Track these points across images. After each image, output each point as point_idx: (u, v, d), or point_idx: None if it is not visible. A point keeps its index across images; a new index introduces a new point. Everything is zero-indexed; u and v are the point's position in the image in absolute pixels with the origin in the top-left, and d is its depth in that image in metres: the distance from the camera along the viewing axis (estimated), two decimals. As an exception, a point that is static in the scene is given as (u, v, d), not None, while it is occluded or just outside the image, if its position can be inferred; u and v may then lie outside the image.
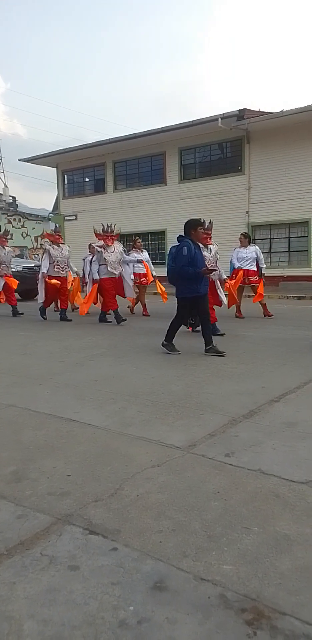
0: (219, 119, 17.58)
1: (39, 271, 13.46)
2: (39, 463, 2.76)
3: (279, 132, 17.54)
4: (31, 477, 2.58)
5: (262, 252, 10.08)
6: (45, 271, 9.47)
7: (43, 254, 10.01)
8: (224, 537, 1.99)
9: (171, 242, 20.05)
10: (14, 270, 12.56)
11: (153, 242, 21.07)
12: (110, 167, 22.94)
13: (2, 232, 10.89)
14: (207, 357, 5.79)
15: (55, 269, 9.54)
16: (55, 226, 10.23)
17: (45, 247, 9.87)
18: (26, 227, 28.91)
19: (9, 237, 11.00)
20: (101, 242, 9.04)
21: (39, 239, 28.01)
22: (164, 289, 10.02)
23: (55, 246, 9.65)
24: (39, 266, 14.55)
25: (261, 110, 18.81)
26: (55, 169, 25.02)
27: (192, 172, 20.74)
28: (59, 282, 9.55)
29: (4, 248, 10.58)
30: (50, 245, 9.70)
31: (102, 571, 1.78)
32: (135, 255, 10.27)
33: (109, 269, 8.99)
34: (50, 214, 29.75)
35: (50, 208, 31.70)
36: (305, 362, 5.39)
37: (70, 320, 9.51)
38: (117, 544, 1.95)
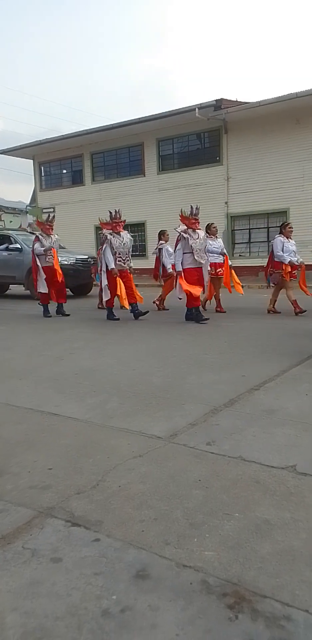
0: (197, 109, 17.57)
1: (93, 263, 12.51)
2: (20, 457, 2.74)
3: (256, 122, 17.61)
4: (12, 472, 2.56)
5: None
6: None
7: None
8: (206, 524, 2.01)
9: (151, 233, 20.10)
10: (65, 263, 11.61)
11: (133, 234, 20.96)
12: (88, 159, 22.75)
13: (47, 218, 9.55)
14: (189, 349, 5.83)
15: (47, 259, 8.99)
16: (48, 215, 9.71)
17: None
18: (3, 221, 28.54)
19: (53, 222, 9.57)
20: (184, 227, 7.89)
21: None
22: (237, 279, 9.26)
23: (45, 236, 9.12)
24: (93, 258, 13.28)
25: (238, 100, 18.86)
26: (32, 160, 24.70)
27: (171, 163, 20.71)
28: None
29: (49, 236, 9.23)
30: (41, 235, 9.15)
31: (84, 562, 1.79)
32: (210, 242, 8.96)
33: (195, 257, 7.86)
34: (28, 207, 29.41)
35: (27, 200, 31.34)
36: (284, 351, 5.46)
37: (68, 315, 9.12)
38: (99, 534, 1.96)
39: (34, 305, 10.32)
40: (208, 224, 9.22)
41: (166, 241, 9.63)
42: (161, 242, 9.65)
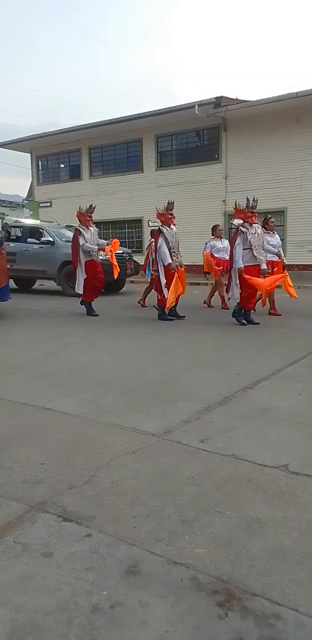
0: (196, 106, 17.51)
1: (128, 259, 12.15)
2: (12, 452, 2.74)
3: (256, 120, 17.57)
4: (5, 466, 2.56)
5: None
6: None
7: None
8: (198, 522, 2.02)
9: (148, 229, 20.03)
10: (100, 258, 10.74)
11: (130, 230, 20.98)
12: (85, 154, 22.65)
13: (86, 208, 8.54)
14: (183, 346, 5.83)
15: (91, 253, 8.36)
16: (90, 206, 8.68)
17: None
18: (3, 214, 28.41)
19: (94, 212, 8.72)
20: (240, 221, 7.26)
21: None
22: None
23: (85, 228, 8.30)
24: (128, 253, 12.91)
25: (238, 98, 18.81)
26: (29, 154, 24.58)
27: (169, 160, 20.65)
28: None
29: (88, 228, 8.44)
30: (81, 228, 8.37)
31: (75, 557, 1.79)
32: (268, 239, 8.30)
33: (254, 253, 7.13)
34: (25, 201, 29.28)
35: (24, 194, 31.18)
36: (280, 350, 5.47)
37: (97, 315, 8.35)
38: (91, 530, 1.96)
39: (55, 300, 10.15)
40: (265, 218, 8.58)
41: (219, 237, 9.49)
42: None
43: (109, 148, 21.94)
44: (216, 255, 9.25)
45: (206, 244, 9.52)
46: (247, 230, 7.08)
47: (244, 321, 7.17)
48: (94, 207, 8.56)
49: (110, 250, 8.77)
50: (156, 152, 20.66)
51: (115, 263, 8.89)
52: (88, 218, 8.44)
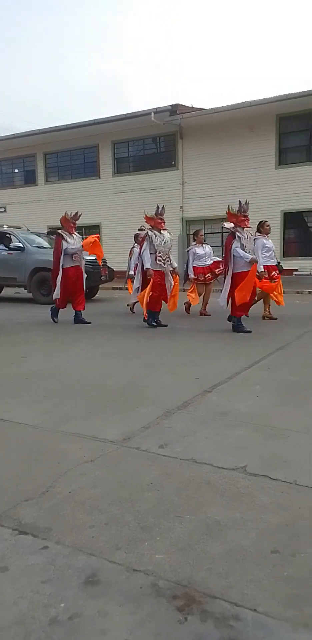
0: (152, 113, 17.66)
1: (103, 265, 11.48)
2: None
3: (212, 128, 17.89)
4: None
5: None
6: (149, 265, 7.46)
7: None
8: (157, 527, 2.01)
9: (106, 235, 20.02)
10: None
11: (87, 236, 20.82)
12: (41, 159, 22.38)
13: (71, 214, 8.28)
14: (145, 352, 5.83)
15: (74, 258, 7.92)
16: (76, 213, 8.39)
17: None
18: None
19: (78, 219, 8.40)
20: (231, 225, 7.15)
21: None
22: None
23: (156, 232, 7.65)
24: (103, 259, 11.79)
25: (194, 106, 19.11)
26: (-16, 159, 24.04)
27: (126, 166, 20.70)
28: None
29: (71, 235, 8.15)
30: (65, 233, 8.03)
31: (32, 570, 1.74)
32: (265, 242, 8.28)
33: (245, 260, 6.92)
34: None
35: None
36: (238, 353, 5.55)
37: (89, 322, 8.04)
38: (48, 542, 1.91)
39: (17, 309, 9.83)
40: (261, 222, 8.49)
41: (201, 242, 9.33)
42: (135, 244, 9.45)
43: (65, 153, 21.78)
44: (197, 263, 8.98)
45: (188, 251, 9.31)
46: (241, 234, 6.99)
47: (248, 329, 6.93)
48: (80, 215, 8.36)
49: (95, 240, 8.33)
50: (113, 158, 20.67)
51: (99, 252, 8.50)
52: (72, 225, 8.21)
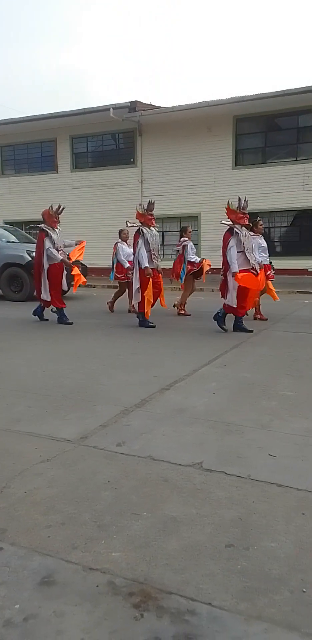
0: (111, 109, 17.55)
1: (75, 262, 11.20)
2: None
3: (170, 127, 17.97)
4: None
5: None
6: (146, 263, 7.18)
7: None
8: (114, 525, 2.01)
9: (63, 231, 19.64)
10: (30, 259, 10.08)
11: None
12: (-3, 151, 21.81)
13: (54, 208, 7.85)
14: (103, 350, 5.80)
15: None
16: (59, 206, 7.90)
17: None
18: None
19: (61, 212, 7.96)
20: (229, 222, 6.94)
21: None
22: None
23: (148, 229, 7.40)
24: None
25: (153, 104, 19.13)
26: None
27: (85, 162, 20.47)
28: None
29: (54, 230, 7.78)
30: (48, 228, 7.69)
31: (-14, 574, 1.71)
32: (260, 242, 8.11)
33: (247, 256, 6.78)
34: None
35: None
36: (196, 351, 5.62)
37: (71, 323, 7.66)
38: (2, 543, 1.88)
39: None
40: (254, 220, 8.19)
41: (125, 240, 9.20)
42: (118, 241, 9.23)
43: (22, 146, 21.31)
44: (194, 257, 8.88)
45: (185, 246, 8.89)
46: (240, 232, 6.79)
47: (225, 327, 6.85)
48: (63, 208, 7.94)
49: (80, 250, 8.21)
50: (71, 152, 20.40)
51: (78, 272, 8.26)
52: (55, 219, 7.86)
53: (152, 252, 7.25)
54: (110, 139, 20.02)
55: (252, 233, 7.71)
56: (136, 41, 60.05)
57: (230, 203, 6.98)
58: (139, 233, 7.32)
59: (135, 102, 17.93)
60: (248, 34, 51.72)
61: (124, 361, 5.10)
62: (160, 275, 7.50)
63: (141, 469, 2.54)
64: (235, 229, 6.78)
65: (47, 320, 7.89)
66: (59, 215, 7.90)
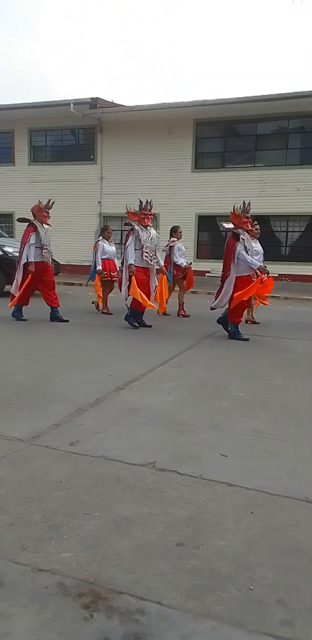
0: (72, 104, 17.35)
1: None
2: None
3: (132, 126, 17.96)
4: None
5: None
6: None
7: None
8: (65, 526, 1.99)
9: (19, 225, 19.24)
10: (17, 255, 9.73)
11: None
12: None
13: (44, 203, 7.72)
14: (58, 348, 5.72)
15: (43, 254, 7.43)
16: (49, 201, 7.74)
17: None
18: None
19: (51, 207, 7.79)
20: (231, 225, 6.75)
21: None
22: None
23: (142, 227, 7.22)
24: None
25: (114, 102, 19.06)
26: None
27: (43, 155, 20.15)
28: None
29: (43, 226, 7.58)
30: (37, 224, 7.50)
31: None
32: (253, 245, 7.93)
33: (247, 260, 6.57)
34: None
35: None
36: (152, 351, 5.64)
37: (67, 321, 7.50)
38: None
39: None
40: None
41: (107, 239, 8.98)
42: (99, 238, 9.01)
43: (-22, 137, 20.72)
44: (180, 259, 8.76)
45: (171, 247, 8.85)
46: (244, 237, 6.62)
47: (246, 337, 6.63)
48: (53, 203, 7.75)
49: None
50: (29, 146, 20.03)
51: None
52: (45, 214, 7.65)
53: (145, 251, 7.05)
54: (70, 134, 19.79)
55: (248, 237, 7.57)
56: (103, 37, 59.43)
57: (236, 207, 6.78)
58: (131, 230, 7.17)
59: (97, 98, 17.82)
60: (248, 35, 52.10)
61: (80, 360, 5.05)
62: (162, 276, 7.41)
63: (94, 469, 2.53)
64: (241, 234, 6.61)
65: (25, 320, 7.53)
66: (48, 211, 7.70)
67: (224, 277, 6.73)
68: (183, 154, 17.74)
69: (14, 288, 7.57)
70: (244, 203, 6.71)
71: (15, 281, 7.53)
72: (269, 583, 1.71)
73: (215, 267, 17.21)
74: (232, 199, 16.85)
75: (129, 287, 7.10)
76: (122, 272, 7.36)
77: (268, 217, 16.41)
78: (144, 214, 7.20)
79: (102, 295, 8.72)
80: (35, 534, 1.92)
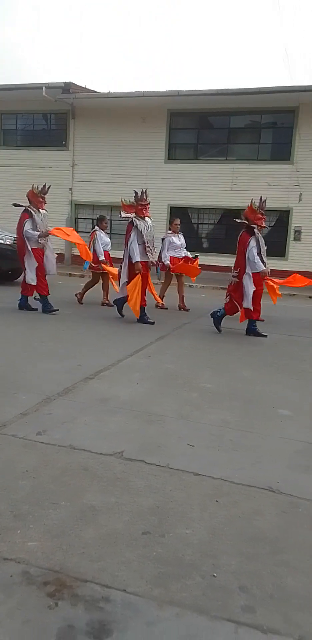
0: (44, 88, 16.99)
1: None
2: None
3: (105, 113, 17.75)
4: None
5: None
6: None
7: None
8: (31, 515, 1.99)
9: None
10: (1, 242, 9.63)
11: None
12: None
13: (39, 188, 7.46)
14: (28, 338, 5.65)
15: (39, 241, 7.17)
16: (45, 185, 7.54)
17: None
18: None
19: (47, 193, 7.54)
20: (241, 220, 6.62)
21: None
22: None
23: (36, 211, 7.21)
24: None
25: (88, 87, 18.79)
26: None
27: (14, 139, 19.70)
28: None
29: (39, 211, 7.32)
30: (32, 209, 7.22)
31: None
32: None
33: (264, 259, 6.56)
34: None
35: None
36: (122, 341, 5.64)
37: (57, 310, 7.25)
38: None
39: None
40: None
41: (104, 229, 8.82)
42: (95, 228, 8.81)
43: None
44: (173, 253, 8.52)
45: (163, 239, 8.64)
46: (258, 232, 6.49)
47: (220, 329, 6.62)
48: (49, 187, 7.45)
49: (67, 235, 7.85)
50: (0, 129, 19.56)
51: (110, 269, 8.04)
52: (40, 199, 7.36)
53: (146, 245, 6.80)
54: (42, 118, 19.41)
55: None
56: (80, 20, 58.29)
57: (253, 202, 6.58)
58: (132, 224, 6.82)
59: (70, 83, 17.50)
60: (250, 36, 51.62)
61: (49, 349, 5.01)
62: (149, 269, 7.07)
63: (61, 458, 2.52)
64: (255, 230, 6.47)
65: (36, 309, 7.29)
66: (44, 196, 7.44)
67: (241, 273, 6.49)
68: (157, 144, 17.66)
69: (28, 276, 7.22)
70: (260, 199, 6.54)
71: (27, 269, 7.21)
72: (232, 570, 1.76)
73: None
74: (204, 192, 17.01)
75: (127, 283, 6.83)
76: (121, 268, 7.04)
77: (239, 210, 16.57)
78: (142, 205, 6.90)
79: (103, 288, 8.58)
80: (1, 523, 1.91)
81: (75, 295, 8.56)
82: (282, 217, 16.55)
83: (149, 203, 6.98)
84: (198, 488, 2.32)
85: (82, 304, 8.42)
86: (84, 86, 18.55)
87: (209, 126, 17.72)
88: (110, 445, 2.72)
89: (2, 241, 9.96)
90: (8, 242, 10.05)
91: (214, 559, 1.81)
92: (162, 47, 54.35)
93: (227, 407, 3.55)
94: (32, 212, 7.23)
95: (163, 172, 17.44)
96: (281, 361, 5.17)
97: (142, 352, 5.14)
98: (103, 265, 8.34)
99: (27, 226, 7.14)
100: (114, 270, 8.16)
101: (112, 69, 51.89)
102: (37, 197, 7.37)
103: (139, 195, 6.95)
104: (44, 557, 1.73)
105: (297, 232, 16.26)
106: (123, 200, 7.18)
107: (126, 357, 4.84)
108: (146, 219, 6.92)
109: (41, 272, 7.24)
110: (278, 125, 16.90)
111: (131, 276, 6.80)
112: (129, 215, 6.97)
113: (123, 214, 7.09)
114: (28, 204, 7.38)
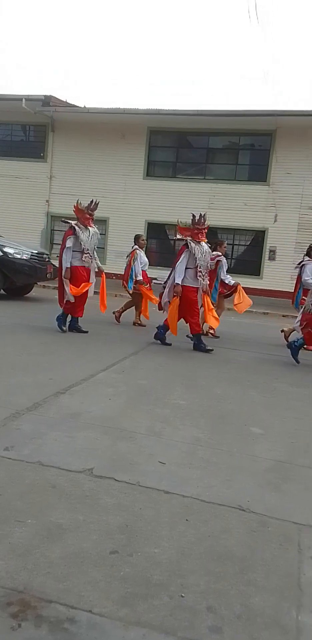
0: (24, 100, 16.98)
1: (48, 261, 10.15)
2: None
3: (85, 128, 17.81)
4: None
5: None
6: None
7: None
8: (-4, 533, 1.93)
9: None
10: (18, 257, 9.45)
11: None
12: None
13: (84, 205, 7.11)
14: (6, 350, 5.56)
15: (83, 258, 6.89)
16: (92, 201, 7.11)
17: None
18: None
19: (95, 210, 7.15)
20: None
21: None
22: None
23: (82, 228, 6.91)
24: (47, 254, 10.58)
25: (68, 102, 18.85)
26: None
27: (-8, 149, 19.57)
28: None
29: (87, 228, 6.96)
30: (78, 226, 6.91)
31: None
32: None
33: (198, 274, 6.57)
34: None
35: None
36: (96, 356, 5.60)
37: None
38: None
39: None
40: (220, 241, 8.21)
41: (142, 247, 8.59)
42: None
43: None
44: (143, 268, 8.43)
45: (219, 262, 8.01)
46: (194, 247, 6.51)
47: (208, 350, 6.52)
48: (97, 203, 7.10)
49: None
50: (-23, 138, 19.39)
51: (146, 291, 8.08)
52: (88, 216, 7.00)
53: (199, 270, 6.52)
54: (21, 130, 19.36)
55: (215, 253, 7.54)
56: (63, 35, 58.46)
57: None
58: (186, 246, 6.57)
59: (50, 96, 17.56)
60: (231, 53, 52.26)
61: (21, 362, 4.93)
62: (204, 295, 6.71)
63: (29, 475, 2.47)
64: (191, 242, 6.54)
65: (86, 332, 7.02)
66: (92, 214, 7.10)
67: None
68: (135, 160, 17.78)
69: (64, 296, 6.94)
70: (200, 214, 6.65)
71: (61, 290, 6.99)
72: (200, 590, 1.74)
73: (164, 274, 17.39)
74: (182, 210, 17.06)
75: (168, 303, 6.64)
76: (164, 289, 6.81)
77: (216, 229, 16.77)
78: (198, 229, 6.63)
79: (136, 308, 8.44)
80: None
81: (113, 313, 8.38)
82: (258, 237, 16.84)
83: (206, 228, 6.76)
84: (168, 506, 2.30)
85: (119, 322, 8.29)
86: (64, 100, 18.60)
87: (188, 145, 17.96)
88: (79, 461, 2.68)
89: (19, 256, 9.73)
90: (25, 257, 9.85)
91: (183, 578, 1.79)
92: (142, 64, 54.96)
93: (199, 424, 3.55)
94: (77, 228, 6.89)
95: (141, 188, 17.55)
96: (253, 378, 5.22)
97: (116, 367, 5.11)
98: (139, 285, 8.17)
99: (68, 243, 6.86)
100: (150, 293, 8.14)
101: (93, 83, 52.16)
102: (84, 214, 7.04)
103: (197, 219, 6.68)
104: (8, 577, 1.68)
105: (272, 252, 16.55)
106: (179, 222, 6.91)
107: (99, 371, 4.80)
108: (202, 243, 6.64)
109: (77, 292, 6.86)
110: (256, 147, 17.26)
111: (173, 298, 6.58)
112: (183, 237, 6.70)
113: (178, 236, 6.86)
114: (75, 222, 7.05)
